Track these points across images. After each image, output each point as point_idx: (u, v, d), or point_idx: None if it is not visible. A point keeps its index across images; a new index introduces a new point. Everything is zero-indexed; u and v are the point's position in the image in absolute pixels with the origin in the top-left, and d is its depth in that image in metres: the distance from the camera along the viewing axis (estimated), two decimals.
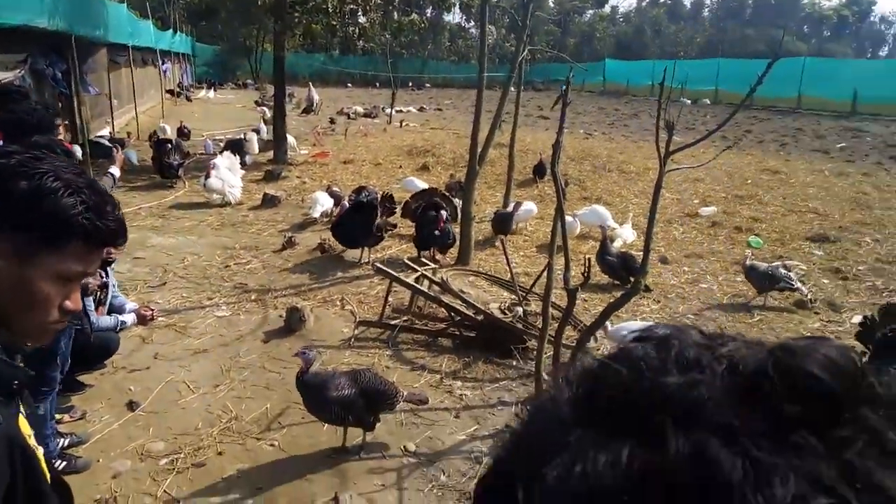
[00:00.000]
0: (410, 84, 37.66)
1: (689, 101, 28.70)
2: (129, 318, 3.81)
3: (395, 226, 7.04)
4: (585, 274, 3.39)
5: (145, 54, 20.08)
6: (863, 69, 29.12)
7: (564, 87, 3.44)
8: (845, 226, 8.28)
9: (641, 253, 6.95)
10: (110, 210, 1.01)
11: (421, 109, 23.82)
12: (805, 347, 0.30)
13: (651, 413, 0.29)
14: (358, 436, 3.39)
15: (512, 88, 6.77)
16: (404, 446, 3.42)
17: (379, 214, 6.34)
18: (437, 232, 6.22)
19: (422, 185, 8.75)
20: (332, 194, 7.88)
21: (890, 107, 23.89)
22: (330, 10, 10.71)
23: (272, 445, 3.40)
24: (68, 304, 0.99)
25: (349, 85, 37.32)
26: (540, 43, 46.21)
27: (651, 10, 49.84)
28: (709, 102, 29.18)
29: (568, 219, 7.20)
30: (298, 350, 3.36)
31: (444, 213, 6.29)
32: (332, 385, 3.17)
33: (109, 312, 3.83)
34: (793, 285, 5.44)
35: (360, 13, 11.66)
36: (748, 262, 5.58)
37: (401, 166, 11.52)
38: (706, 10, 49.91)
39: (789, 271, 5.52)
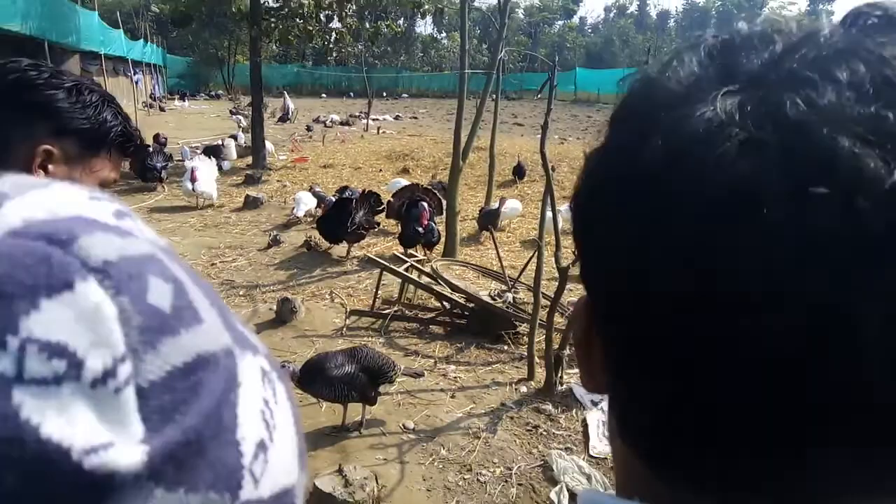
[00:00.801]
0: (385, 94, 37.83)
1: None
2: None
3: (377, 224, 7.09)
4: (576, 253, 3.49)
5: (117, 64, 19.92)
6: None
7: (551, 73, 3.56)
8: None
9: None
10: (130, 122, 1.13)
11: (397, 118, 23.91)
12: None
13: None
14: (356, 415, 3.43)
15: (490, 99, 6.88)
16: (403, 424, 3.47)
17: (358, 210, 6.38)
18: (420, 229, 6.23)
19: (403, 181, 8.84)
20: (315, 194, 7.91)
21: None
22: (306, 15, 10.76)
23: None
24: None
25: (324, 95, 37.34)
26: (511, 53, 46.83)
27: (618, 20, 50.82)
28: None
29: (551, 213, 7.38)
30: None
31: (424, 204, 6.33)
32: (332, 364, 3.22)
33: None
34: None
35: (335, 19, 11.71)
36: None
37: (381, 170, 11.58)
38: (672, 20, 51.10)
39: None
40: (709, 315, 0.29)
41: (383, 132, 18.43)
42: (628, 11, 52.86)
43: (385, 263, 4.77)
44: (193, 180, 8.18)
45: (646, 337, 0.32)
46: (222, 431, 0.28)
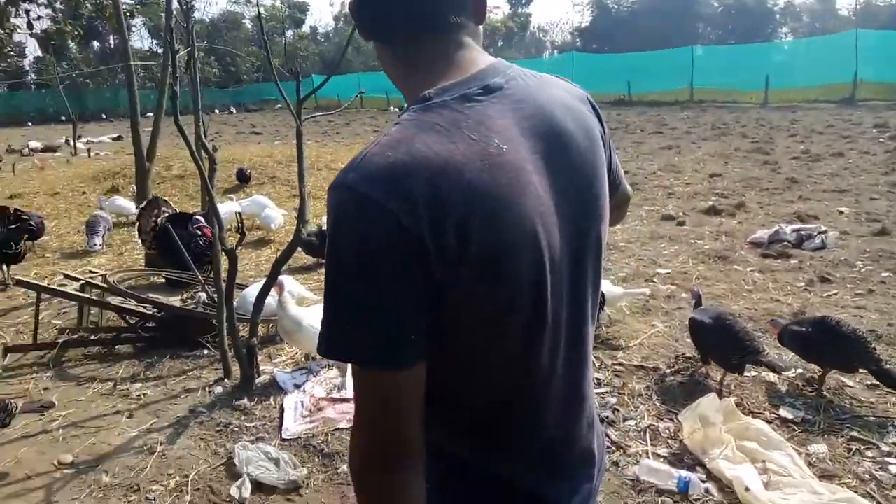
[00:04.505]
0: (104, 115, 34.02)
1: (397, 109, 30.55)
2: None
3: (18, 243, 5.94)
4: (241, 231, 3.28)
5: None
6: (535, 67, 34.03)
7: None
8: None
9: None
10: None
11: (118, 138, 21.54)
12: None
13: None
14: None
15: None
16: (58, 461, 2.92)
17: None
18: (202, 242, 5.32)
19: (128, 203, 7.91)
20: None
21: None
22: None
23: None
24: None
25: (28, 123, 32.23)
26: (244, 65, 45.13)
27: (347, 28, 51.77)
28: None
29: (233, 206, 7.08)
30: None
31: (199, 217, 5.59)
32: None
33: None
34: None
35: None
36: None
37: (84, 192, 10.20)
38: None
39: None
40: None
41: (96, 154, 16.42)
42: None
43: (39, 284, 4.06)
44: None
45: None
46: None
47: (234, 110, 35.80)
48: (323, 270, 5.06)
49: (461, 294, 0.73)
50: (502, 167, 0.75)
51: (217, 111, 34.66)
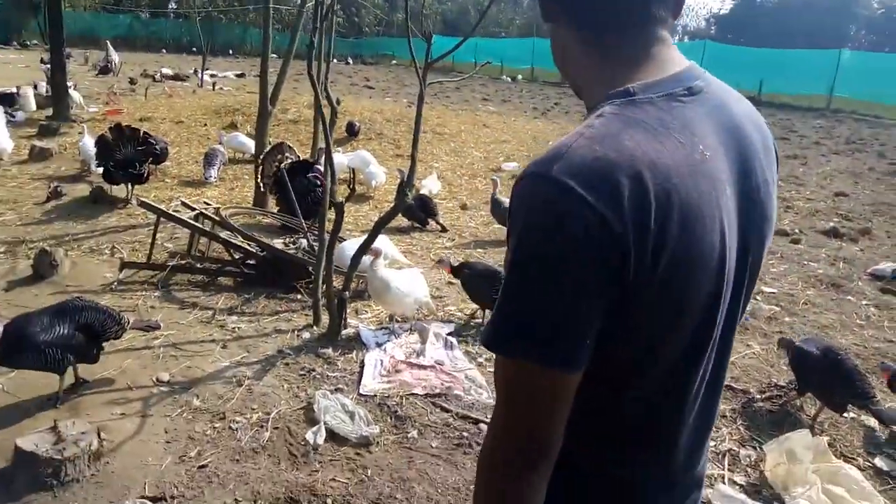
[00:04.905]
0: (231, 51, 35.59)
1: (509, 79, 30.13)
2: None
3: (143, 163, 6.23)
4: (351, 187, 3.35)
5: None
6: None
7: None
8: None
9: (441, 200, 7.11)
10: None
11: (241, 75, 22.53)
12: None
13: None
14: (92, 371, 3.07)
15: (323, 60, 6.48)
16: (157, 377, 3.16)
17: (119, 147, 5.96)
18: (321, 193, 5.09)
19: (249, 141, 7.97)
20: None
21: None
22: None
23: None
24: None
25: (163, 51, 34.32)
26: (368, 17, 45.81)
27: None
28: (521, 78, 30.65)
29: (343, 159, 7.18)
30: None
31: (318, 168, 5.75)
32: (37, 328, 2.73)
33: None
34: None
35: None
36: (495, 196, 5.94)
37: (205, 124, 10.77)
38: None
39: None
40: None
41: (220, 88, 17.25)
42: None
43: (160, 208, 4.34)
44: None
45: None
46: None
47: (350, 61, 36.49)
48: (417, 235, 5.09)
49: (645, 301, 0.70)
50: (704, 175, 0.73)
51: (335, 60, 35.51)
